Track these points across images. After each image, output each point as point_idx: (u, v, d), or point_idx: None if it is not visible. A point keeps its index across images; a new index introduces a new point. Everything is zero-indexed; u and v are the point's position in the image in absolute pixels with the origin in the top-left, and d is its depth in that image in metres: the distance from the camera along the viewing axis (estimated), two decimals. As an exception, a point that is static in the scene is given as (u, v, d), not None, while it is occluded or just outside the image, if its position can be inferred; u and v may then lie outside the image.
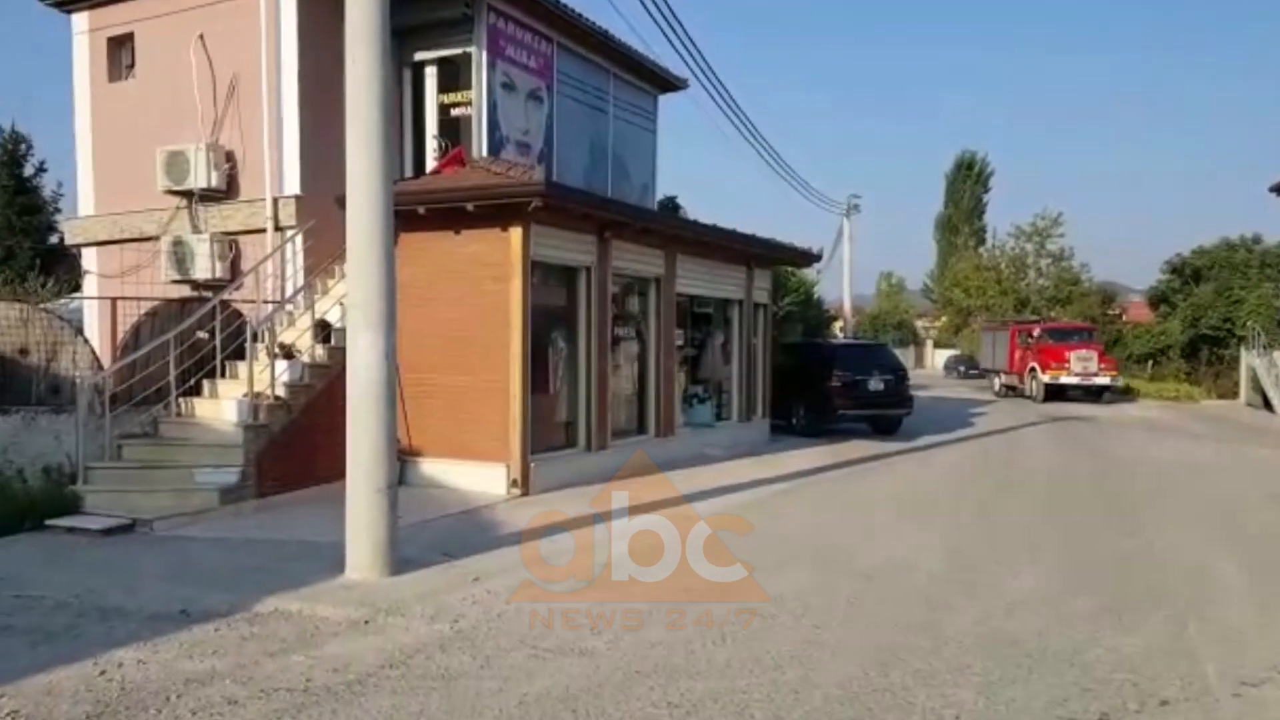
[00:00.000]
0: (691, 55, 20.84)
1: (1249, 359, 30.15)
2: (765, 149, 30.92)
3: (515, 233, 10.23)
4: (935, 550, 8.28)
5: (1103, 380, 28.42)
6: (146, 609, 6.21)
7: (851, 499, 11.37)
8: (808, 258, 18.03)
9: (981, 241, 63.99)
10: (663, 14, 12.84)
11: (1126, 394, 31.68)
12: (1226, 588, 7.12)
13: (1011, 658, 5.35)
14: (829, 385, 16.99)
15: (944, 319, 66.07)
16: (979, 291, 56.57)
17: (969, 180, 69.14)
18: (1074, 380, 28.44)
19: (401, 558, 7.17)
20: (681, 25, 14.52)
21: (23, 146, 24.58)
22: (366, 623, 5.95)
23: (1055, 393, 28.99)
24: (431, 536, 8.27)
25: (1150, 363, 37.76)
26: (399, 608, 6.20)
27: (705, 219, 14.12)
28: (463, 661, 5.23)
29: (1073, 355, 28.59)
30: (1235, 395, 31.31)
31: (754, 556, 7.67)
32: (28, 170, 24.60)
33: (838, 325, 45.59)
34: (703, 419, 15.19)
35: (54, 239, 22.02)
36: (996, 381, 34.43)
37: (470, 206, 10.06)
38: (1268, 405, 26.74)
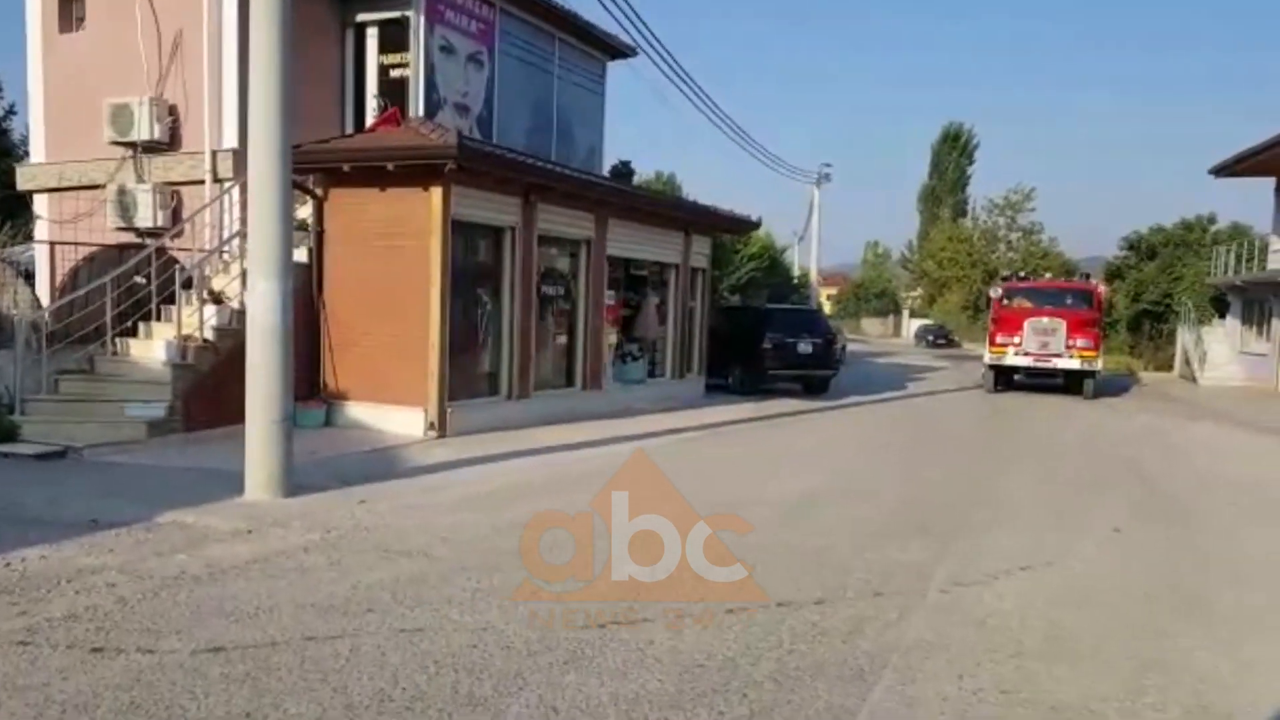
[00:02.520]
0: (635, 26, 21.18)
1: (1182, 333, 31.40)
2: (719, 116, 30.72)
3: (436, 192, 10.91)
4: (794, 488, 9.18)
5: (1069, 363, 19.89)
6: (62, 519, 6.98)
7: (748, 447, 12.26)
8: (746, 225, 18.75)
9: (963, 213, 64.76)
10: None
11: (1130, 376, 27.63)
12: (1016, 519, 8.16)
13: (784, 561, 6.36)
14: (761, 347, 17.85)
15: (919, 289, 67.13)
16: (950, 263, 57.48)
17: (954, 151, 69.60)
18: (1024, 361, 20.24)
19: (300, 483, 7.95)
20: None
21: (-13, 90, 24.76)
22: (250, 532, 6.75)
23: (1012, 380, 21.67)
24: (337, 468, 9.05)
25: (1100, 336, 39.17)
26: (282, 521, 7.01)
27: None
28: (318, 560, 6.05)
29: (1028, 325, 20.08)
30: (1171, 368, 32.56)
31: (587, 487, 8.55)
32: (-3, 113, 24.85)
33: (825, 295, 46.47)
34: (635, 375, 15.99)
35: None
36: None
37: (390, 166, 10.74)
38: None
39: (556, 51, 16.13)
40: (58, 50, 13.30)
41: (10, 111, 24.91)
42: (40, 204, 13.76)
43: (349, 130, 13.44)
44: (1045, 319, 20.18)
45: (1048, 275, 25.37)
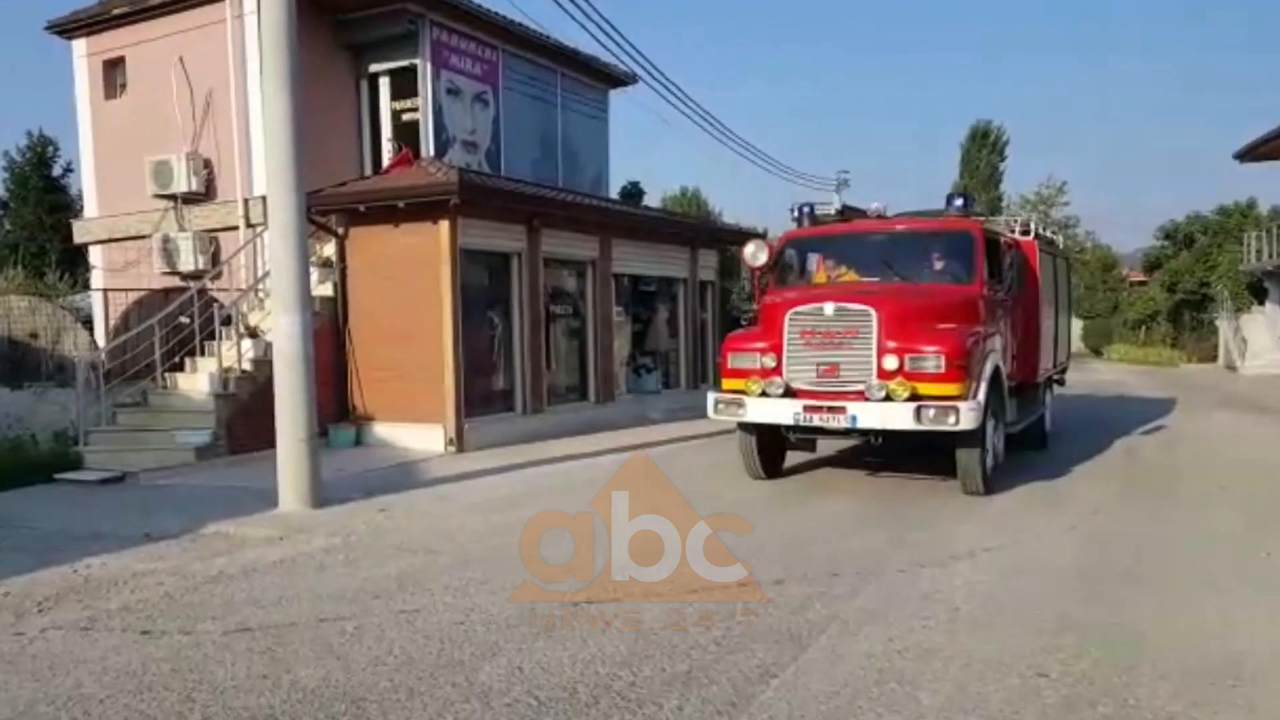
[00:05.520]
0: (633, 57, 21.72)
1: (1221, 323, 31.14)
2: (726, 135, 30.90)
3: (444, 225, 11.87)
4: (775, 485, 9.84)
5: (881, 413, 8.28)
6: (120, 534, 7.99)
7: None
8: (750, 237, 19.47)
9: (997, 211, 64.44)
10: (599, 25, 14.21)
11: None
12: (990, 507, 8.61)
13: (753, 548, 6.93)
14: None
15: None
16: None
17: (985, 149, 69.26)
18: (782, 411, 8.67)
19: (328, 496, 8.89)
20: (619, 31, 16.02)
21: (50, 149, 26.65)
22: (281, 539, 7.69)
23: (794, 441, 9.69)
24: (362, 482, 9.98)
25: (1144, 329, 38.71)
26: (309, 529, 7.94)
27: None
28: (336, 559, 6.96)
29: (788, 322, 8.76)
30: (1215, 359, 32.24)
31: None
32: (56, 171, 26.69)
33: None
34: (649, 387, 16.81)
35: (80, 237, 24.02)
36: None
37: (401, 204, 11.74)
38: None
39: (559, 85, 17.11)
40: (104, 115, 14.60)
41: (68, 169, 26.76)
42: (95, 254, 15.04)
43: (368, 172, 14.49)
44: (828, 308, 8.66)
45: (874, 207, 10.60)
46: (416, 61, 14.22)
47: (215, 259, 13.66)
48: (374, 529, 7.91)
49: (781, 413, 8.71)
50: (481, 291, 12.92)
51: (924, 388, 8.24)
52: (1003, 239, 10.10)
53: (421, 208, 11.78)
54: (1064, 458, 11.23)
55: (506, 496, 9.33)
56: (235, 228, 13.40)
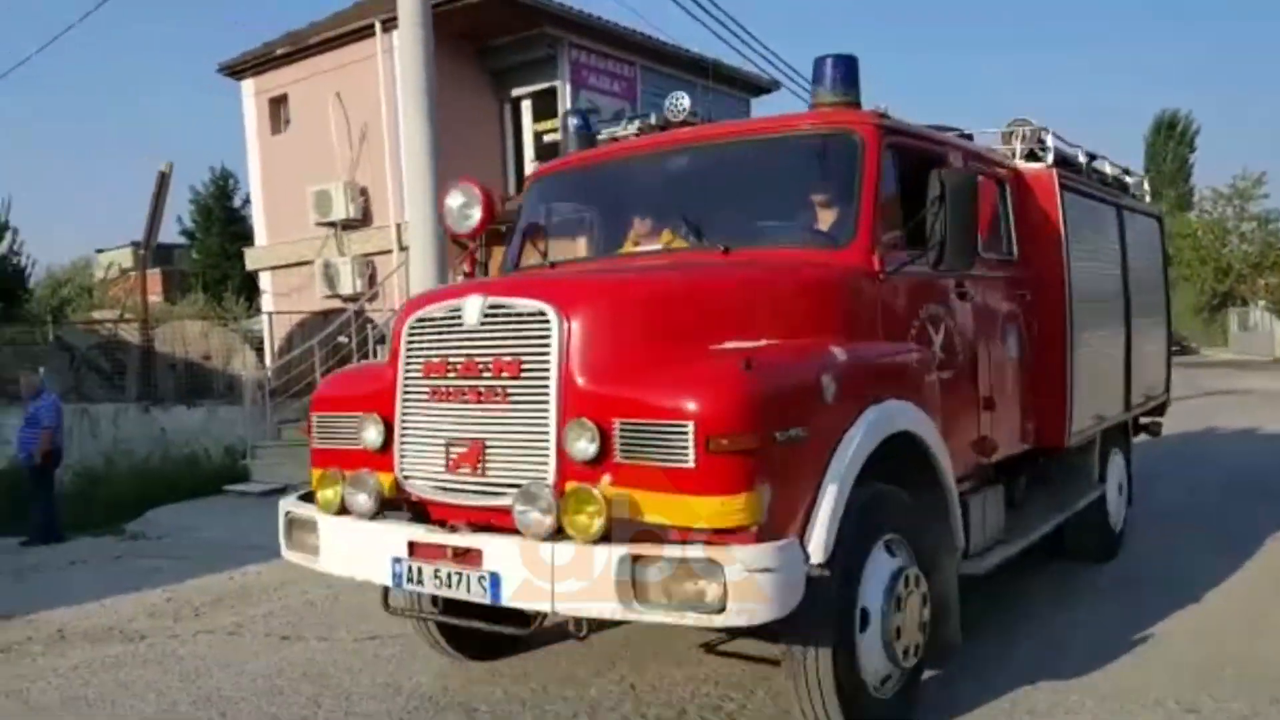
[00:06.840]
0: (770, 62, 21.45)
1: None
2: None
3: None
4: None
5: (571, 579, 3.23)
6: (275, 544, 8.39)
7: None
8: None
9: (1187, 206, 59.64)
10: (734, 33, 14.08)
11: None
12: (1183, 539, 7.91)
13: None
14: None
15: (1137, 290, 62.19)
16: (1175, 260, 52.81)
17: (1171, 140, 64.44)
18: (374, 567, 3.83)
19: (468, 508, 9.14)
20: (754, 36, 15.90)
21: (231, 181, 28.92)
22: (420, 550, 7.95)
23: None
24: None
25: (1350, 329, 35.22)
26: (446, 540, 8.17)
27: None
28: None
29: (403, 345, 3.92)
30: None
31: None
32: (236, 202, 28.91)
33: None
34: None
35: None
36: None
37: (537, 223, 11.96)
38: None
39: (698, 96, 17.06)
40: (270, 149, 15.67)
41: (247, 201, 28.92)
42: (265, 280, 16.13)
43: (513, 193, 14.90)
44: (470, 307, 3.66)
45: (678, 103, 5.33)
46: (556, 83, 14.55)
47: (372, 281, 14.38)
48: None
49: (370, 559, 3.93)
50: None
51: (654, 506, 3.30)
52: (949, 154, 4.89)
53: (557, 226, 11.98)
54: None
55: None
56: (390, 251, 14.06)
